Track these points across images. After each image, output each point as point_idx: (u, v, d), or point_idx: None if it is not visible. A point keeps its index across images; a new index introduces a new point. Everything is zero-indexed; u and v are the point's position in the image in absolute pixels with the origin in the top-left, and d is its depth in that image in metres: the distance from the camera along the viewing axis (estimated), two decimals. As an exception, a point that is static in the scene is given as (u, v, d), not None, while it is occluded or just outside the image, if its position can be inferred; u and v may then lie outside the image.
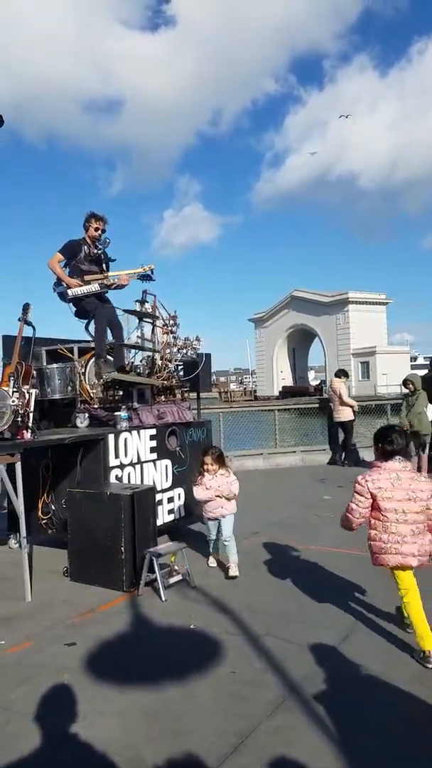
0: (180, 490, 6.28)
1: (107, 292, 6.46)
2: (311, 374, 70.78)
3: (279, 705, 2.92)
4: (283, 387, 61.92)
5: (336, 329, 57.04)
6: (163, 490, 6.03)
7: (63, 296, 6.30)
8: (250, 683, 3.14)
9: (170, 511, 6.15)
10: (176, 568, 4.75)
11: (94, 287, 6.27)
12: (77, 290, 6.21)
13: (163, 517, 5.98)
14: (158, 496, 5.71)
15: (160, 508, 5.81)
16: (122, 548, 4.61)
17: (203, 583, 4.74)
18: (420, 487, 3.38)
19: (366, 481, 3.44)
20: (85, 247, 6.33)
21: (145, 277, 6.58)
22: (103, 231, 6.38)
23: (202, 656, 3.47)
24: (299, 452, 11.66)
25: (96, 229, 6.32)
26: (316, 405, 13.26)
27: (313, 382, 65.58)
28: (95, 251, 6.40)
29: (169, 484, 6.13)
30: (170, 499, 6.14)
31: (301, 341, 64.45)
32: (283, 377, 64.24)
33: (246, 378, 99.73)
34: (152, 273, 6.57)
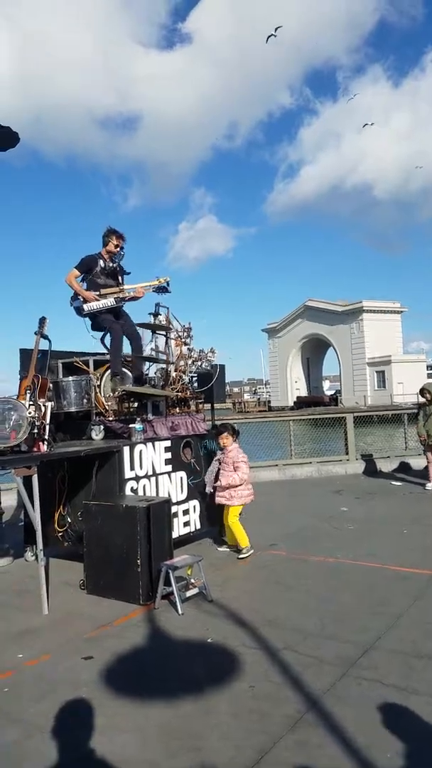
0: (195, 502, 6.27)
1: (123, 305, 6.52)
2: (326, 384, 70.54)
3: (298, 720, 2.88)
4: (297, 397, 61.78)
5: (350, 339, 56.83)
6: (179, 503, 6.02)
7: (79, 311, 6.36)
8: (268, 698, 3.11)
9: (186, 524, 6.13)
10: (193, 581, 4.72)
11: (110, 301, 6.34)
12: (93, 305, 6.28)
13: (179, 529, 5.97)
14: (174, 509, 5.70)
15: (175, 520, 5.80)
16: (138, 561, 4.60)
17: (220, 596, 4.71)
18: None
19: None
20: (101, 261, 6.42)
21: (161, 289, 6.61)
22: (122, 248, 6.50)
23: (219, 670, 3.44)
24: (315, 463, 11.55)
25: (116, 246, 6.45)
26: (332, 415, 13.16)
27: (328, 392, 65.40)
28: (111, 265, 6.49)
29: (184, 496, 6.13)
30: (185, 512, 6.13)
31: (315, 351, 64.28)
32: (298, 387, 64.06)
33: (260, 388, 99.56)
34: (168, 285, 6.61)
